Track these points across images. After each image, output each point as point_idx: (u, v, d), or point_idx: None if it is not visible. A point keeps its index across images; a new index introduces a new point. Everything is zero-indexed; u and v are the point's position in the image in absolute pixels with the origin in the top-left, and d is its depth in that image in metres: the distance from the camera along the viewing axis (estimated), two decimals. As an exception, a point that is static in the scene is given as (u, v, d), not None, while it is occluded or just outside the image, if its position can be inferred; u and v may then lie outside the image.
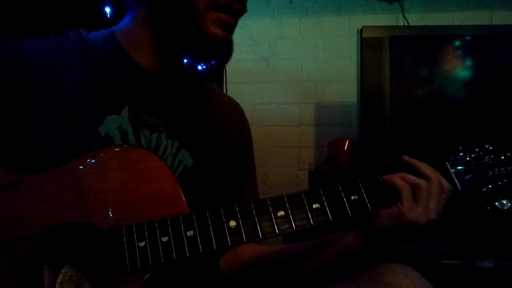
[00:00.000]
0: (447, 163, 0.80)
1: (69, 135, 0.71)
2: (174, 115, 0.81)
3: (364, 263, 0.77)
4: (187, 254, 0.64)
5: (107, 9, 1.60)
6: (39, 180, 0.65)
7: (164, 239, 0.64)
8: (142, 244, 0.63)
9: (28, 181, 0.65)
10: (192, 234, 0.65)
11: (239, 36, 2.61)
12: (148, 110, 0.78)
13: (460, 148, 0.83)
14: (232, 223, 0.66)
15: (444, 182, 0.74)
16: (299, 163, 2.60)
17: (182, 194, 0.68)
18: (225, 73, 2.38)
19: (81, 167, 0.67)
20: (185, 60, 0.88)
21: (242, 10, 0.77)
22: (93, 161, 0.67)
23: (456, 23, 2.38)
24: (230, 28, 0.77)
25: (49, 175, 0.66)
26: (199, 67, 2.14)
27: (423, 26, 2.30)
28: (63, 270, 0.66)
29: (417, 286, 0.69)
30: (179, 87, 0.85)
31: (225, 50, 0.77)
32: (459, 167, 0.80)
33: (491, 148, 0.82)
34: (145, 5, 0.78)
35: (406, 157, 0.78)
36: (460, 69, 1.91)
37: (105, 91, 0.76)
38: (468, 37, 1.91)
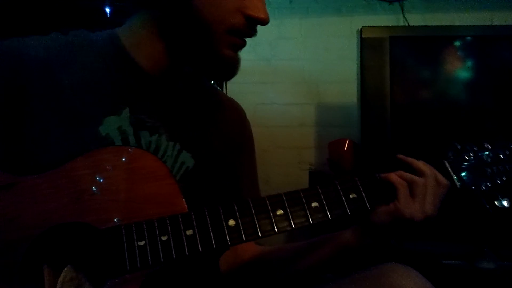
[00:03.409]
0: (444, 160, 0.80)
1: (66, 136, 0.70)
2: (175, 117, 0.81)
3: (363, 261, 0.78)
4: (187, 253, 0.64)
5: (107, 9, 1.59)
6: (34, 182, 0.65)
7: (164, 238, 0.64)
8: (141, 243, 0.63)
9: (22, 183, 0.65)
10: (192, 233, 0.65)
11: (239, 36, 2.61)
12: (148, 112, 0.78)
13: (458, 146, 0.83)
14: (231, 222, 0.66)
15: (441, 177, 0.75)
16: (300, 163, 2.59)
17: (180, 192, 0.68)
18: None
19: (76, 168, 0.66)
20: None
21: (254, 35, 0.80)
22: (88, 162, 0.67)
23: (457, 23, 2.37)
24: (240, 48, 0.80)
25: (44, 176, 0.65)
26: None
27: (423, 26, 2.29)
28: (65, 269, 0.66)
29: (418, 287, 0.69)
30: (180, 88, 0.85)
31: (234, 69, 0.81)
32: (457, 164, 0.80)
33: (489, 146, 0.83)
34: (155, 12, 0.76)
35: (401, 156, 0.79)
36: (460, 69, 1.90)
37: (105, 91, 0.75)
38: (468, 38, 1.90)
